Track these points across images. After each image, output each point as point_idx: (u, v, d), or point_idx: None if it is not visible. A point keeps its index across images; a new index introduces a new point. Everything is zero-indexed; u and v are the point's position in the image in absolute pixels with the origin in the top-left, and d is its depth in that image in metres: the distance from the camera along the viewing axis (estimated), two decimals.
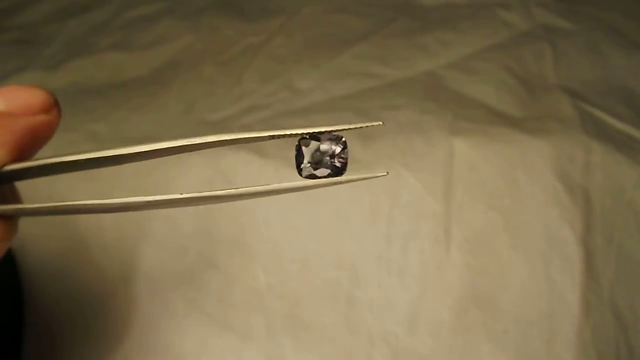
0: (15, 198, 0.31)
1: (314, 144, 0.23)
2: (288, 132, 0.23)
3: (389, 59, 0.66)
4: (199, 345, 0.49)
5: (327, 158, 0.23)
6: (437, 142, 0.55)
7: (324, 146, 0.23)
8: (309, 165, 0.23)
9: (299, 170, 0.23)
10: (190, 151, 0.26)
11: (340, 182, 0.23)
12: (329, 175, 0.23)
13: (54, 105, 0.29)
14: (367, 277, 0.51)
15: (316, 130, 0.23)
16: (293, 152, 0.56)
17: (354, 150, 0.55)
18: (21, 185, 0.31)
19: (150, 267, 0.52)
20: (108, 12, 0.80)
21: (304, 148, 0.23)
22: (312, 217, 0.53)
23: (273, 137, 0.23)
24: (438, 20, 0.70)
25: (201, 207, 0.53)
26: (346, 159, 0.23)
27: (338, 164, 0.23)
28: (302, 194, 0.50)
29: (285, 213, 0.53)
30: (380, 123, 0.24)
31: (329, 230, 0.53)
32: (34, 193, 0.32)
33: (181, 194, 0.24)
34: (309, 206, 0.53)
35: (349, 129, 0.23)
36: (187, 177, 0.55)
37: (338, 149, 0.23)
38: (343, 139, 0.23)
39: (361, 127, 0.23)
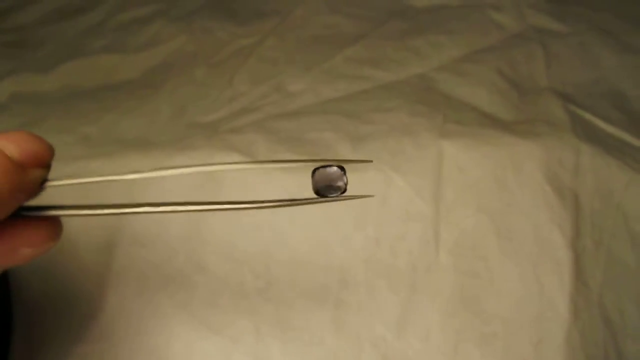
0: None
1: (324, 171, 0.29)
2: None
3: (380, 62, 0.66)
4: (186, 348, 0.49)
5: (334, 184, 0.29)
6: (427, 144, 0.55)
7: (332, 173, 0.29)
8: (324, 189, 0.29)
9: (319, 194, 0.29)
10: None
11: (328, 200, 0.29)
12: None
13: (51, 159, 0.29)
14: (356, 280, 0.51)
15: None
16: (283, 155, 0.56)
17: (343, 152, 0.56)
18: None
19: (139, 269, 0.52)
20: (100, 14, 0.80)
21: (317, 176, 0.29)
22: (301, 220, 0.53)
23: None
24: (430, 22, 0.70)
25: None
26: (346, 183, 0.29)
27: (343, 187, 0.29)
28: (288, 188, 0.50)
29: (274, 216, 0.53)
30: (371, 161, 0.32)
31: (318, 233, 0.52)
32: None
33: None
34: (297, 209, 0.53)
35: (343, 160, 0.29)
36: (177, 178, 0.55)
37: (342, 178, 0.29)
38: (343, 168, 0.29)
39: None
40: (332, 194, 0.29)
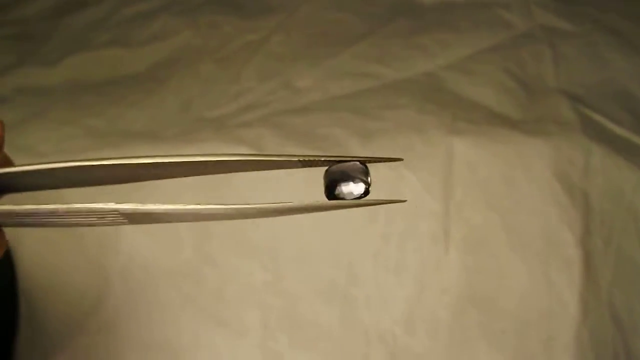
0: None
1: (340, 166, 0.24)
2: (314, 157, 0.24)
3: (387, 60, 0.66)
4: (194, 340, 0.49)
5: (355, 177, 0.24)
6: (436, 142, 0.55)
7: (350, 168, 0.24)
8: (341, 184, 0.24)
9: (334, 193, 0.24)
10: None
11: (360, 205, 0.24)
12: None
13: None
14: (364, 275, 0.51)
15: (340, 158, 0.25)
16: (292, 149, 0.55)
17: (353, 148, 0.55)
18: None
19: (146, 262, 0.52)
20: (105, 8, 0.80)
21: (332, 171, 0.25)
22: (310, 214, 0.52)
23: (301, 161, 0.24)
24: (437, 20, 0.70)
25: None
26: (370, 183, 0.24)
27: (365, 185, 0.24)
28: (301, 193, 0.49)
29: None
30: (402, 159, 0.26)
31: (327, 228, 0.52)
32: None
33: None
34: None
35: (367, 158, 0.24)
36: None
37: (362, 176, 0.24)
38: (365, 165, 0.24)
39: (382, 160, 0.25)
40: (350, 195, 0.24)
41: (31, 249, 0.52)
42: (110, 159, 0.25)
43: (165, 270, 0.51)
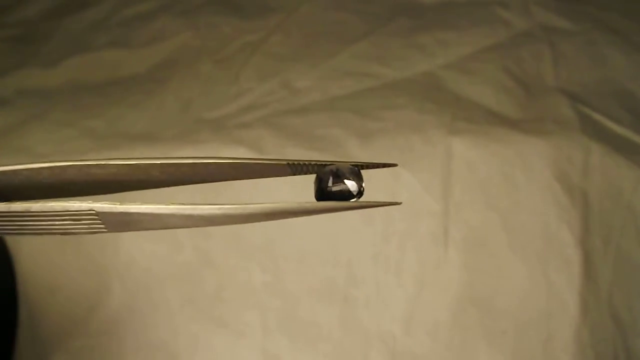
0: None
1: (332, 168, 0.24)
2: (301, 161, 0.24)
3: (387, 59, 0.66)
4: (193, 342, 0.49)
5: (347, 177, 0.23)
6: (436, 142, 0.55)
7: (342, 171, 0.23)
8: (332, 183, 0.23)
9: (324, 194, 0.23)
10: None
11: (353, 208, 0.23)
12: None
13: None
14: (364, 275, 0.51)
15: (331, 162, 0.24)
16: (292, 149, 0.55)
17: (352, 148, 0.55)
18: None
19: (145, 263, 0.52)
20: (105, 9, 0.80)
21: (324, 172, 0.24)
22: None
23: (289, 165, 0.24)
24: (437, 19, 0.70)
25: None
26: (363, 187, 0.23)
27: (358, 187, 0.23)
28: (300, 191, 0.49)
29: None
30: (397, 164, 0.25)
31: (326, 228, 0.52)
32: None
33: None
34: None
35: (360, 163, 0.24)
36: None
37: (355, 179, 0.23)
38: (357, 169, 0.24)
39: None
40: (343, 195, 0.23)
41: (31, 251, 0.53)
42: (84, 160, 0.24)
43: (164, 272, 0.51)
